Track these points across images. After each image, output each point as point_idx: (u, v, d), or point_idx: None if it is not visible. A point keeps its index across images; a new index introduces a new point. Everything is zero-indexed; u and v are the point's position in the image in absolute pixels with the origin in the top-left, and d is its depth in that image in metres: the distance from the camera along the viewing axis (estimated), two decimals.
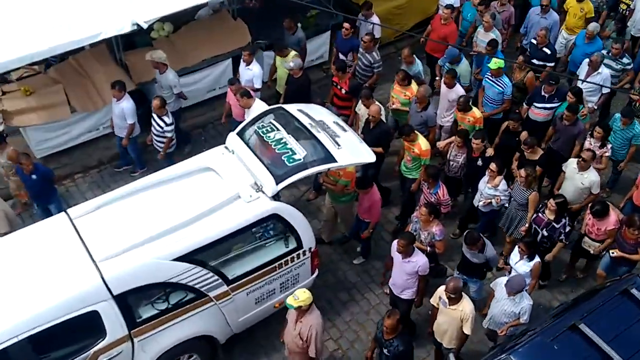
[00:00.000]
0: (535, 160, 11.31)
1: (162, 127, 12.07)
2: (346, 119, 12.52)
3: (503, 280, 9.52)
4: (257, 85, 12.93)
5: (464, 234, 10.34)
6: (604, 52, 13.24)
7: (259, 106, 11.57)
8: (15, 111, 12.71)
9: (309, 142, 10.08)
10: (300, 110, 10.71)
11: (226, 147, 10.37)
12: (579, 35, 14.04)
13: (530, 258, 9.89)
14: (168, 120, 12.01)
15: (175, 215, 9.23)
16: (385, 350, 8.90)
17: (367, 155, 10.35)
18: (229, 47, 14.17)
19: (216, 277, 9.39)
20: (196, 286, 9.26)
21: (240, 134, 10.39)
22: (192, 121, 14.33)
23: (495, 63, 12.36)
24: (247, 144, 10.21)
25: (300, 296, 8.67)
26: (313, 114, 10.73)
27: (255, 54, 13.24)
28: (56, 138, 13.17)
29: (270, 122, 10.45)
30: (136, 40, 13.86)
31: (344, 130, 10.60)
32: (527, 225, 10.85)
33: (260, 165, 9.82)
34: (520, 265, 9.95)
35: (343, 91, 12.75)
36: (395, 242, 9.69)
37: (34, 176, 11.22)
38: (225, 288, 9.53)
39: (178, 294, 9.27)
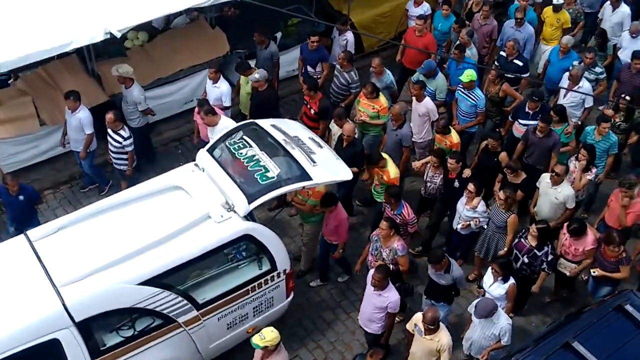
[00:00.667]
0: (518, 184, 10.92)
1: (120, 142, 11.51)
2: None
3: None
4: (226, 103, 12.43)
5: (428, 253, 9.91)
6: (576, 62, 12.99)
7: (225, 123, 11.11)
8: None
9: (283, 159, 9.67)
10: (273, 126, 10.29)
11: (196, 165, 9.92)
12: (552, 52, 13.74)
13: (505, 280, 9.46)
14: (125, 134, 11.47)
15: (141, 236, 8.76)
16: None
17: (343, 172, 9.95)
18: (206, 57, 13.66)
19: (185, 301, 8.91)
20: (164, 311, 8.77)
21: (211, 151, 9.93)
22: (168, 134, 13.89)
23: (468, 76, 12.00)
24: (217, 161, 9.77)
25: (267, 335, 8.13)
26: (287, 129, 10.32)
27: (227, 68, 12.74)
28: (24, 152, 12.61)
29: (242, 138, 10.03)
30: (109, 49, 13.37)
31: (320, 146, 10.19)
32: (506, 249, 10.46)
33: (231, 184, 9.37)
34: (495, 288, 9.53)
35: (312, 111, 12.28)
36: (370, 272, 9.30)
37: (20, 197, 10.74)
38: (195, 313, 9.05)
39: (145, 320, 8.78)
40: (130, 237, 8.76)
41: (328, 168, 9.78)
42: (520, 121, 12.20)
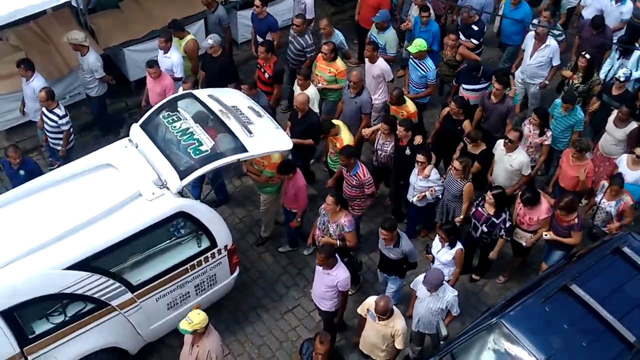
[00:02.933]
0: (476, 154, 10.46)
1: (55, 122, 10.92)
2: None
3: (421, 277, 8.74)
4: (178, 74, 11.81)
5: (382, 220, 9.36)
6: (535, 21, 12.52)
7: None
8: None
9: (219, 131, 9.16)
10: (210, 96, 9.74)
11: (130, 140, 9.39)
12: (505, 4, 13.33)
13: (452, 245, 9.15)
14: (60, 112, 10.88)
15: (68, 219, 8.28)
16: None
17: (283, 142, 9.43)
18: (201, 6, 13.08)
19: (118, 284, 8.48)
20: (95, 295, 8.33)
21: (144, 125, 9.40)
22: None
23: (416, 46, 11.44)
24: (151, 135, 9.25)
25: (195, 319, 7.69)
26: (225, 99, 9.76)
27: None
28: (17, 110, 12.22)
29: (177, 111, 9.50)
30: (102, 1, 13.20)
31: (259, 115, 9.65)
32: (462, 217, 10.09)
33: (163, 160, 8.89)
34: (442, 253, 9.23)
35: (266, 75, 11.74)
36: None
37: (21, 172, 10.23)
38: (129, 295, 8.63)
39: (76, 305, 8.37)
40: (56, 220, 8.30)
41: (266, 138, 9.27)
42: (465, 86, 11.78)
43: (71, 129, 11.15)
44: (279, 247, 11.09)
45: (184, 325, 7.66)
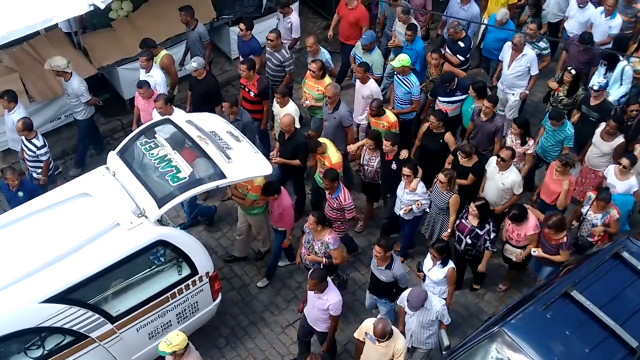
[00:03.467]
0: (470, 167, 10.40)
1: (33, 152, 10.83)
2: (259, 124, 11.66)
3: (407, 293, 8.70)
4: (161, 91, 11.70)
5: (379, 238, 9.35)
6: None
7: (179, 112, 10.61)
8: None
9: (197, 157, 9.08)
10: (188, 122, 9.65)
11: (107, 168, 9.29)
12: (490, 20, 13.33)
13: (444, 264, 9.11)
14: (38, 142, 10.79)
15: (44, 250, 8.19)
16: None
17: (262, 167, 9.33)
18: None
19: (97, 315, 8.37)
20: (74, 328, 8.22)
21: (121, 153, 9.33)
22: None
23: (399, 61, 11.38)
24: (128, 163, 9.18)
25: (173, 340, 7.67)
26: (204, 124, 9.67)
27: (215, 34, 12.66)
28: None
29: (154, 137, 9.42)
30: (94, 21, 13.23)
31: (238, 140, 9.57)
32: (449, 230, 10.12)
33: (141, 188, 8.81)
34: (434, 272, 9.18)
35: (252, 94, 11.67)
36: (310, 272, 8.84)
37: (20, 193, 10.25)
38: (109, 326, 8.52)
39: (55, 337, 8.24)
40: (31, 252, 8.21)
41: (244, 164, 9.17)
42: (440, 99, 11.72)
43: (50, 159, 11.04)
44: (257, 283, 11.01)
45: (162, 347, 7.67)
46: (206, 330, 9.96)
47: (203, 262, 9.09)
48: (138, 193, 8.77)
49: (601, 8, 12.85)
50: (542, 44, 12.46)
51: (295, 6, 13.70)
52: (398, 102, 11.82)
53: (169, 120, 9.73)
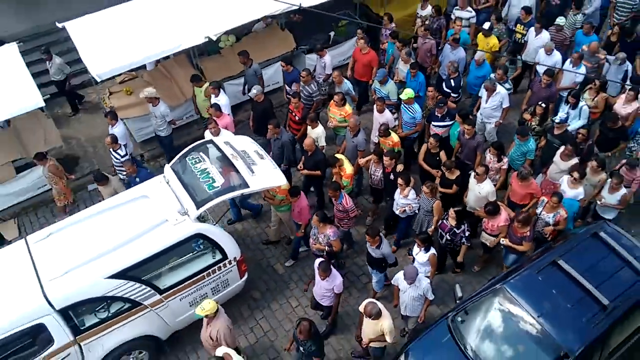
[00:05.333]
0: (453, 180, 11.26)
1: (118, 159, 12.08)
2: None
3: (400, 274, 9.54)
4: (226, 112, 12.86)
5: (367, 227, 10.25)
6: (492, 75, 13.13)
7: (224, 134, 11.68)
8: (120, 107, 13.76)
9: (229, 171, 10.04)
10: (226, 143, 10.62)
11: (164, 177, 10.39)
12: (472, 63, 13.96)
13: (427, 250, 9.98)
14: (122, 152, 11.99)
15: (110, 239, 9.30)
16: (301, 348, 9.01)
17: (277, 180, 10.22)
18: (278, 52, 14.94)
19: (148, 288, 9.42)
20: (131, 297, 9.31)
21: (174, 165, 10.39)
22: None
23: (406, 94, 12.27)
24: (178, 174, 10.20)
25: (206, 307, 8.70)
26: (237, 144, 10.66)
27: (295, 60, 14.30)
28: (150, 127, 13.74)
29: (200, 154, 10.41)
30: (208, 49, 14.78)
31: (262, 158, 10.49)
32: (432, 228, 10.90)
33: (185, 193, 9.83)
34: (420, 255, 10.06)
35: (297, 118, 12.83)
36: (316, 262, 9.70)
37: (137, 179, 11.30)
38: (158, 297, 9.57)
39: (117, 304, 9.35)
40: (101, 240, 9.31)
41: (264, 177, 10.06)
42: (434, 123, 12.52)
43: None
44: (285, 263, 11.97)
45: (198, 311, 8.70)
46: (237, 300, 10.95)
47: (232, 250, 10.04)
48: (183, 197, 9.79)
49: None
50: (507, 85, 13.07)
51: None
52: (405, 125, 12.68)
53: (212, 142, 10.73)
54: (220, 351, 8.55)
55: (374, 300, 9.13)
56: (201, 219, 9.85)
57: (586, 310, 8.88)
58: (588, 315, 8.83)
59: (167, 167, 10.41)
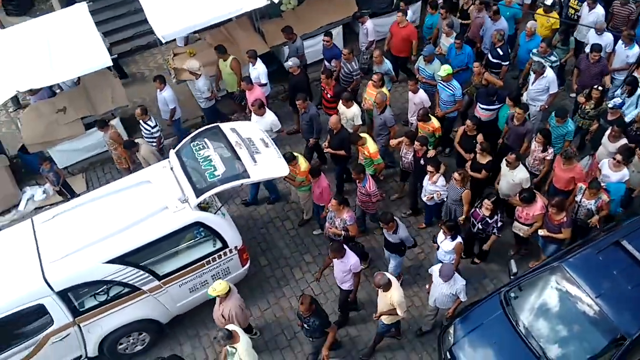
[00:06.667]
0: (483, 164, 10.98)
1: (149, 130, 12.29)
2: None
3: (436, 268, 9.43)
4: (264, 80, 13.20)
5: (380, 214, 10.16)
6: (535, 50, 12.77)
7: (268, 117, 11.91)
8: (184, 69, 13.68)
9: (231, 159, 10.02)
10: (232, 129, 10.60)
11: (168, 161, 10.45)
12: (521, 35, 13.54)
13: (453, 238, 9.79)
14: (152, 123, 12.22)
15: (110, 224, 9.45)
16: (305, 325, 9.08)
17: (279, 170, 10.18)
18: (340, 16, 14.99)
19: (147, 274, 9.57)
20: (130, 282, 9.48)
21: (178, 151, 10.43)
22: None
23: (445, 70, 11.99)
24: (182, 160, 10.24)
25: (217, 287, 8.92)
26: (243, 131, 10.63)
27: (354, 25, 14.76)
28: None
29: (204, 140, 10.41)
30: (270, 12, 14.91)
31: (267, 146, 10.45)
32: (463, 217, 10.69)
33: (186, 181, 9.87)
34: (445, 243, 9.88)
35: (329, 95, 12.78)
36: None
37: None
38: (157, 283, 9.72)
39: (116, 288, 9.52)
40: (102, 225, 9.47)
41: (267, 166, 10.03)
42: (481, 105, 12.18)
43: (161, 135, 12.44)
44: (313, 231, 12.11)
45: (210, 292, 8.97)
46: (249, 281, 11.08)
47: (232, 239, 10.06)
48: (184, 184, 9.83)
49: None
50: (552, 58, 12.63)
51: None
52: (443, 104, 12.41)
53: (218, 127, 10.69)
54: (230, 327, 8.73)
55: (384, 272, 9.14)
56: (206, 204, 9.91)
57: None
58: None
59: (172, 152, 10.46)
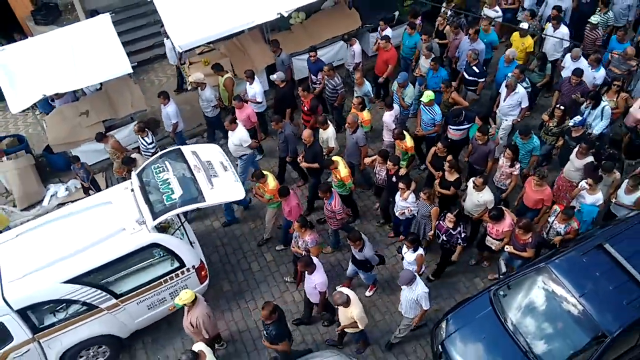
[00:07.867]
0: (452, 181, 11.42)
1: (145, 146, 12.73)
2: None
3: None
4: (259, 99, 13.84)
5: (349, 233, 10.54)
6: (509, 74, 13.15)
7: (238, 132, 12.33)
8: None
9: (188, 182, 10.32)
10: (193, 152, 10.88)
11: (131, 183, 10.77)
12: (500, 60, 13.93)
13: (414, 250, 10.29)
14: (148, 140, 12.69)
15: (69, 245, 9.76)
16: (264, 332, 9.47)
17: (235, 194, 10.45)
18: (344, 30, 15.70)
19: (104, 293, 9.88)
20: (87, 301, 9.81)
21: (140, 173, 10.74)
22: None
23: (427, 97, 12.48)
24: (142, 182, 10.54)
25: (183, 297, 9.28)
26: (204, 155, 10.92)
27: (360, 39, 15.19)
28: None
29: (165, 163, 10.71)
30: (279, 25, 15.68)
31: (225, 170, 10.73)
32: (432, 231, 11.16)
33: (144, 203, 10.18)
34: (408, 255, 10.39)
35: (306, 108, 13.36)
36: None
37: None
38: (114, 301, 10.04)
39: (74, 306, 9.86)
40: (62, 245, 9.79)
41: (223, 190, 10.32)
42: (451, 127, 12.64)
43: (157, 150, 12.71)
44: (276, 247, 12.50)
45: (176, 301, 9.34)
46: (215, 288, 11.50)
47: (189, 258, 10.38)
48: (143, 206, 10.14)
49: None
50: (524, 84, 13.00)
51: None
52: (424, 125, 12.86)
53: (179, 150, 10.99)
54: (196, 347, 9.04)
55: (342, 289, 9.55)
56: (167, 224, 10.29)
57: (628, 293, 9.03)
58: (629, 298, 8.98)
59: (133, 174, 10.76)
